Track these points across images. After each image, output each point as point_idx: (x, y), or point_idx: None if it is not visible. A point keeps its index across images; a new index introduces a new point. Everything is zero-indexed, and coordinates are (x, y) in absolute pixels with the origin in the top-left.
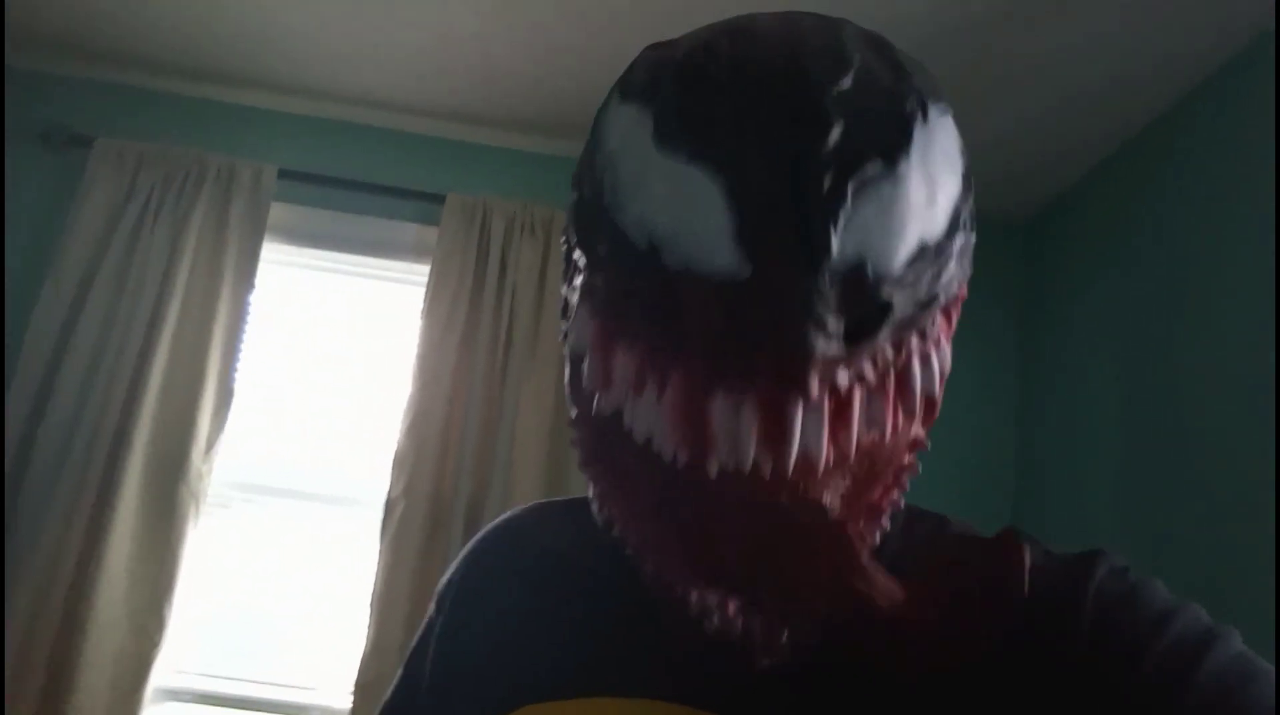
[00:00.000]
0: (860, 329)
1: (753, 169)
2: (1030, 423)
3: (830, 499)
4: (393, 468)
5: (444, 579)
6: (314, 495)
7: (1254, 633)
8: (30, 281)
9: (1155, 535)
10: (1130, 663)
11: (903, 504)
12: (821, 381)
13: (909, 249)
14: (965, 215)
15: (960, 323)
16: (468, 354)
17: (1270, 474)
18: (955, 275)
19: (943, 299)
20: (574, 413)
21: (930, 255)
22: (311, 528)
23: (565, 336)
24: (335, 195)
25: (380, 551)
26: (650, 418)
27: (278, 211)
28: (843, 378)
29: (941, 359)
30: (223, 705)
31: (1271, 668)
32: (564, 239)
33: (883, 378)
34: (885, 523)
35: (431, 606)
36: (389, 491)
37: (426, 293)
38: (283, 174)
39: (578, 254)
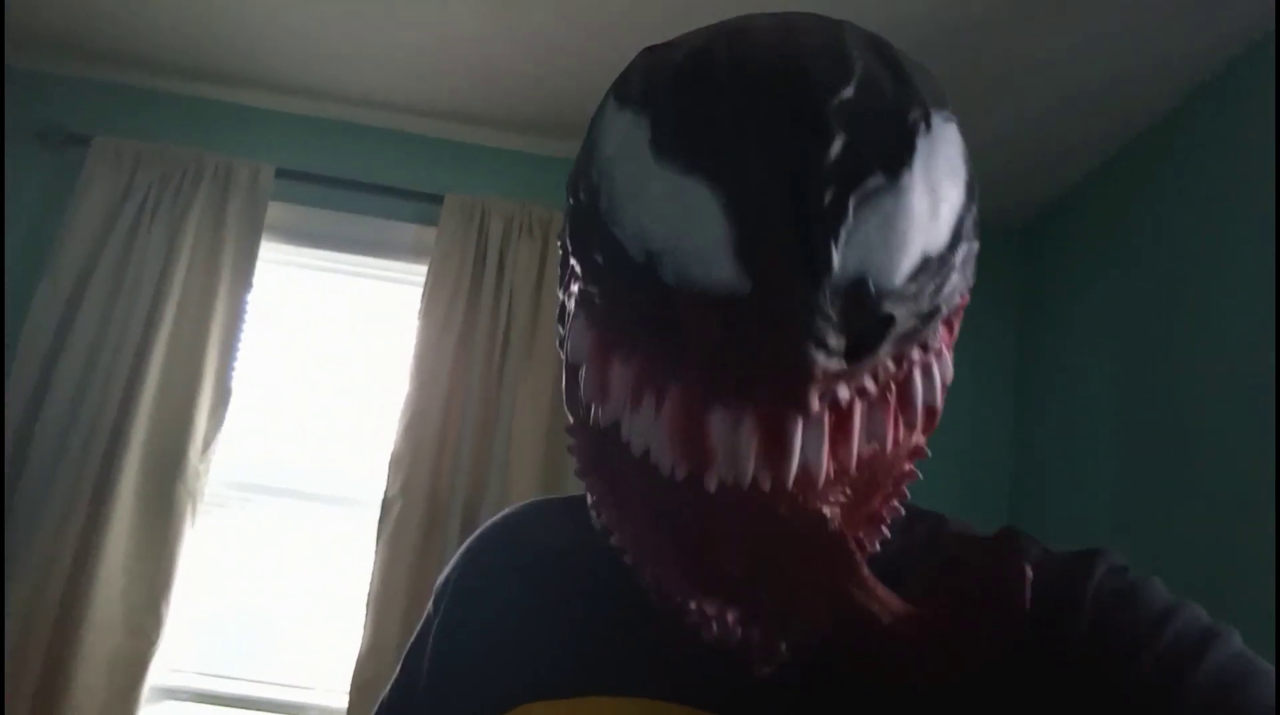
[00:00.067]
0: (861, 344)
1: (752, 181)
2: (1028, 425)
3: (829, 510)
4: (389, 467)
5: (442, 576)
6: (311, 494)
7: (1252, 633)
8: (27, 280)
9: (1153, 536)
10: (1129, 662)
11: (903, 511)
12: (821, 397)
13: (911, 263)
14: (968, 225)
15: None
16: (465, 354)
17: (1269, 474)
18: (957, 286)
19: (945, 311)
20: (571, 420)
21: (933, 268)
22: (308, 527)
23: (562, 342)
24: (333, 195)
25: (377, 551)
26: (648, 431)
27: (275, 211)
28: (843, 392)
29: (943, 369)
30: (220, 704)
31: (1271, 667)
32: (560, 244)
33: (883, 391)
34: (885, 531)
35: (430, 603)
36: (386, 491)
37: (424, 293)
38: (280, 173)
39: (573, 261)
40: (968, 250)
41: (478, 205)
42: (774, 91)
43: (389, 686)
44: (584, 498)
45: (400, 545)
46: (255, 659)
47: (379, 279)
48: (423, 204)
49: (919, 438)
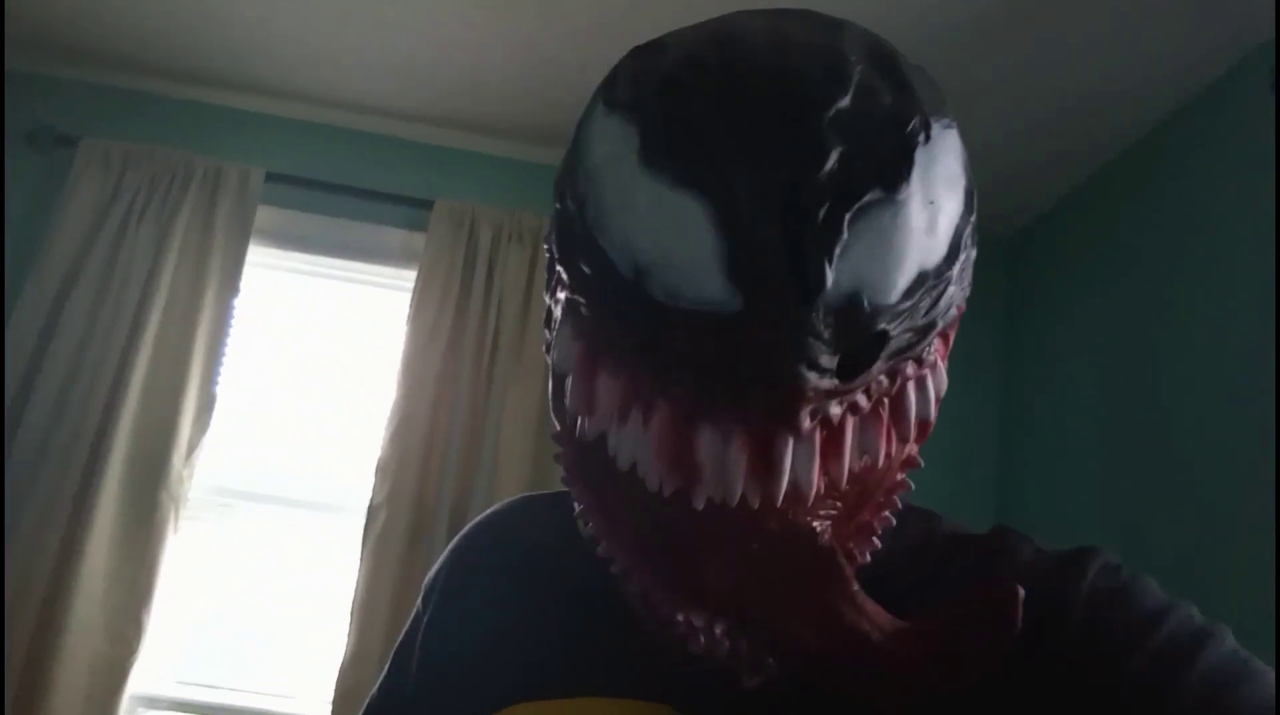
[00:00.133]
0: (854, 361)
1: (744, 196)
2: (1013, 436)
3: (819, 524)
4: (376, 474)
5: (431, 573)
6: (296, 501)
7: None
8: (13, 281)
9: (1137, 542)
10: (1121, 661)
11: (894, 521)
12: (813, 415)
13: (907, 279)
14: (966, 235)
15: None
16: (453, 360)
17: (1253, 482)
18: (954, 298)
19: (940, 325)
20: (558, 428)
21: (929, 282)
22: (293, 534)
23: (549, 348)
24: (323, 199)
25: (362, 558)
26: (635, 446)
27: (264, 215)
28: (834, 409)
29: (937, 381)
30: (201, 713)
31: (1265, 667)
32: (547, 248)
33: (876, 405)
34: (876, 541)
35: (419, 601)
36: (372, 498)
37: (413, 298)
38: (270, 177)
39: (560, 268)
40: (965, 259)
41: (467, 211)
42: (767, 102)
43: (377, 685)
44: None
45: (386, 553)
46: (237, 667)
47: (367, 284)
48: (412, 209)
49: (911, 448)
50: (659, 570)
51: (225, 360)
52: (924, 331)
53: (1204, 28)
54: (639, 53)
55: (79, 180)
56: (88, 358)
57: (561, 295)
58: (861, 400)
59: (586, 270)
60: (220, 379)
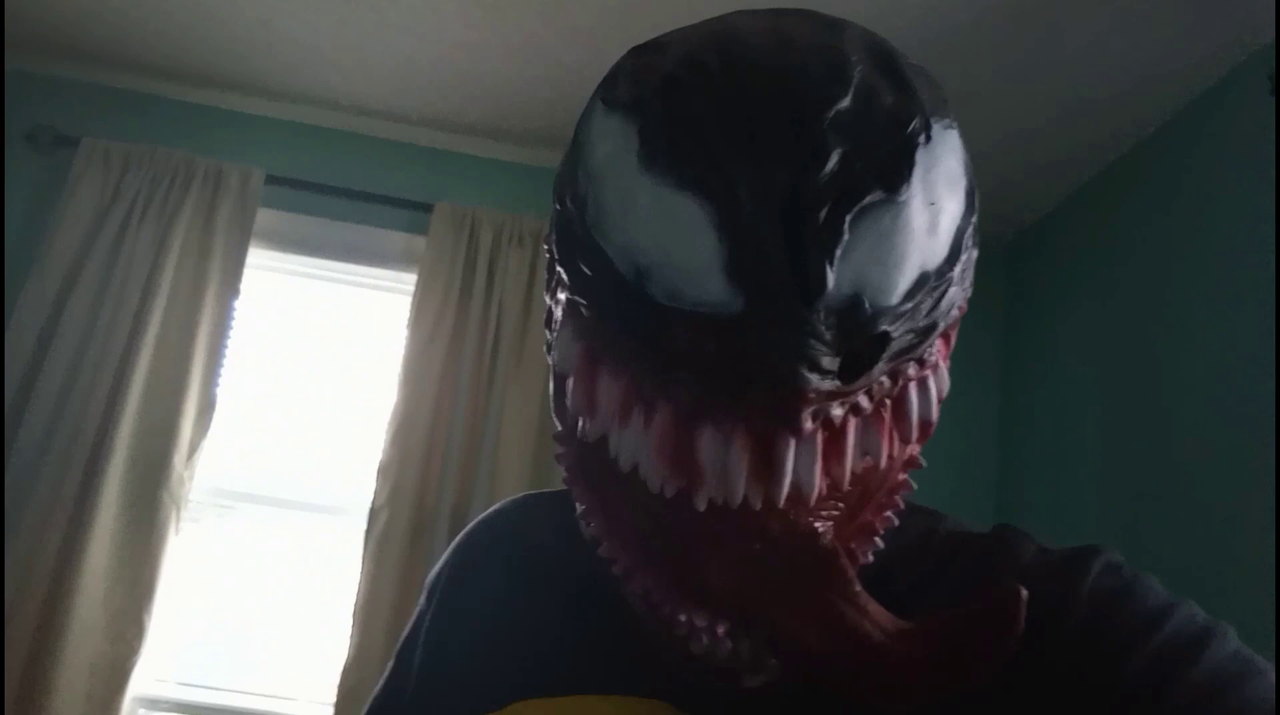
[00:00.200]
0: (856, 363)
1: (744, 198)
2: (1013, 438)
3: (821, 524)
4: (377, 476)
5: (434, 571)
6: (297, 503)
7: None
8: (12, 282)
9: (1136, 546)
10: (1124, 660)
11: (896, 521)
12: (814, 417)
13: (909, 280)
14: (968, 235)
15: None
16: (453, 363)
17: (1250, 484)
18: (955, 298)
19: (942, 326)
20: (559, 428)
21: (930, 283)
22: (294, 536)
23: (549, 348)
24: (323, 202)
25: (363, 560)
26: (637, 447)
27: (265, 217)
28: (836, 411)
29: (939, 382)
30: None
31: (1269, 665)
32: (547, 248)
33: (878, 406)
34: (878, 541)
35: (422, 598)
36: (373, 500)
37: (413, 301)
38: (271, 179)
39: (560, 269)
40: (967, 259)
41: (468, 214)
42: (768, 103)
43: (380, 682)
44: None
45: (387, 554)
46: (239, 668)
47: (368, 287)
48: (413, 212)
49: (913, 448)
50: (660, 571)
51: (226, 362)
52: (925, 332)
53: (1202, 31)
54: (638, 52)
55: (79, 181)
56: (88, 359)
57: (562, 296)
58: (863, 401)
59: (587, 271)
60: (221, 381)
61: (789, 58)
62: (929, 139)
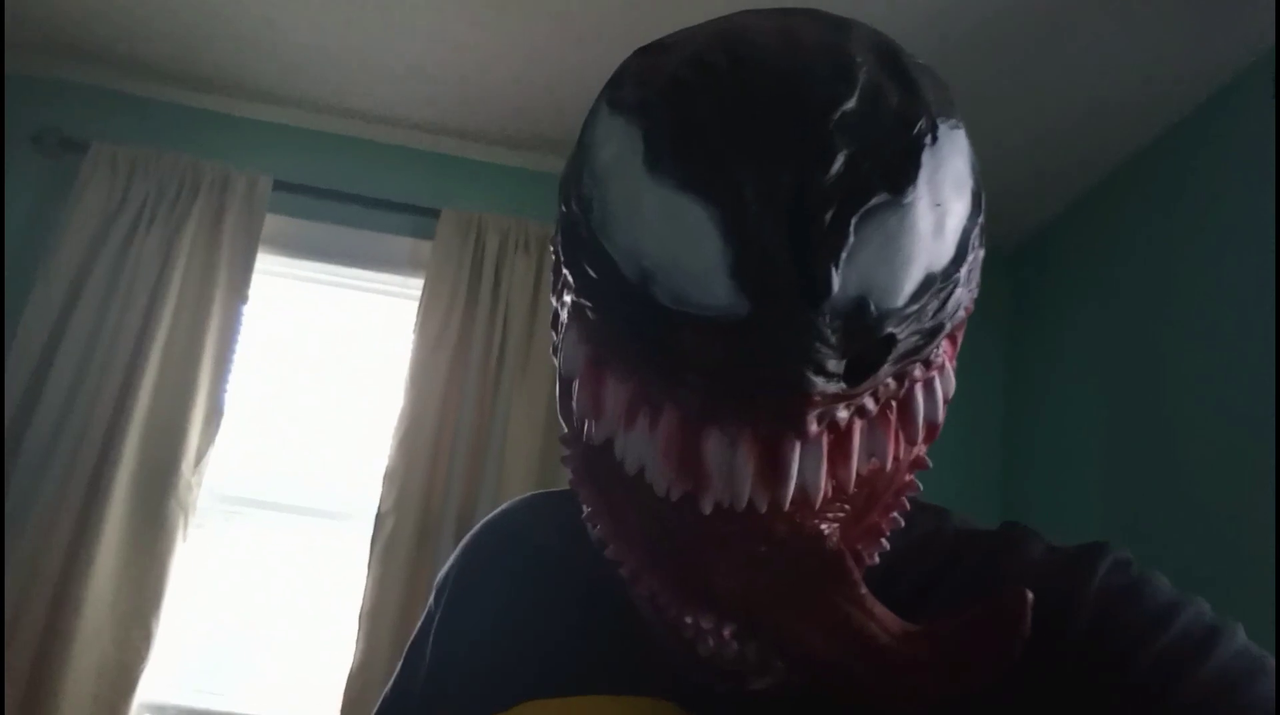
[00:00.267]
0: (861, 365)
1: (749, 200)
2: (1017, 444)
3: (827, 527)
4: (383, 481)
5: (442, 571)
6: (304, 508)
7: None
8: (20, 287)
9: (1139, 550)
10: (1133, 659)
11: (903, 522)
12: (820, 419)
13: (914, 282)
14: (974, 236)
15: None
16: (460, 368)
17: (1252, 489)
18: (961, 299)
19: (948, 327)
20: (565, 430)
21: (936, 285)
22: (301, 542)
23: (555, 350)
24: (330, 207)
25: (369, 565)
26: (643, 450)
27: (272, 223)
28: (842, 413)
29: (945, 383)
30: None
31: (1276, 663)
32: (553, 249)
33: (884, 408)
34: (884, 543)
35: (430, 599)
36: (379, 506)
37: (420, 306)
38: (278, 185)
39: (566, 271)
40: (973, 260)
41: (474, 220)
42: (773, 105)
43: (390, 683)
44: None
45: (393, 560)
46: (245, 674)
47: (374, 292)
48: (420, 218)
49: (920, 450)
50: (667, 573)
51: (233, 368)
52: (931, 334)
53: (1205, 38)
54: (644, 53)
55: (86, 185)
56: (95, 364)
57: (568, 298)
58: (869, 403)
59: (592, 274)
60: (228, 387)
61: (795, 59)
62: (935, 140)
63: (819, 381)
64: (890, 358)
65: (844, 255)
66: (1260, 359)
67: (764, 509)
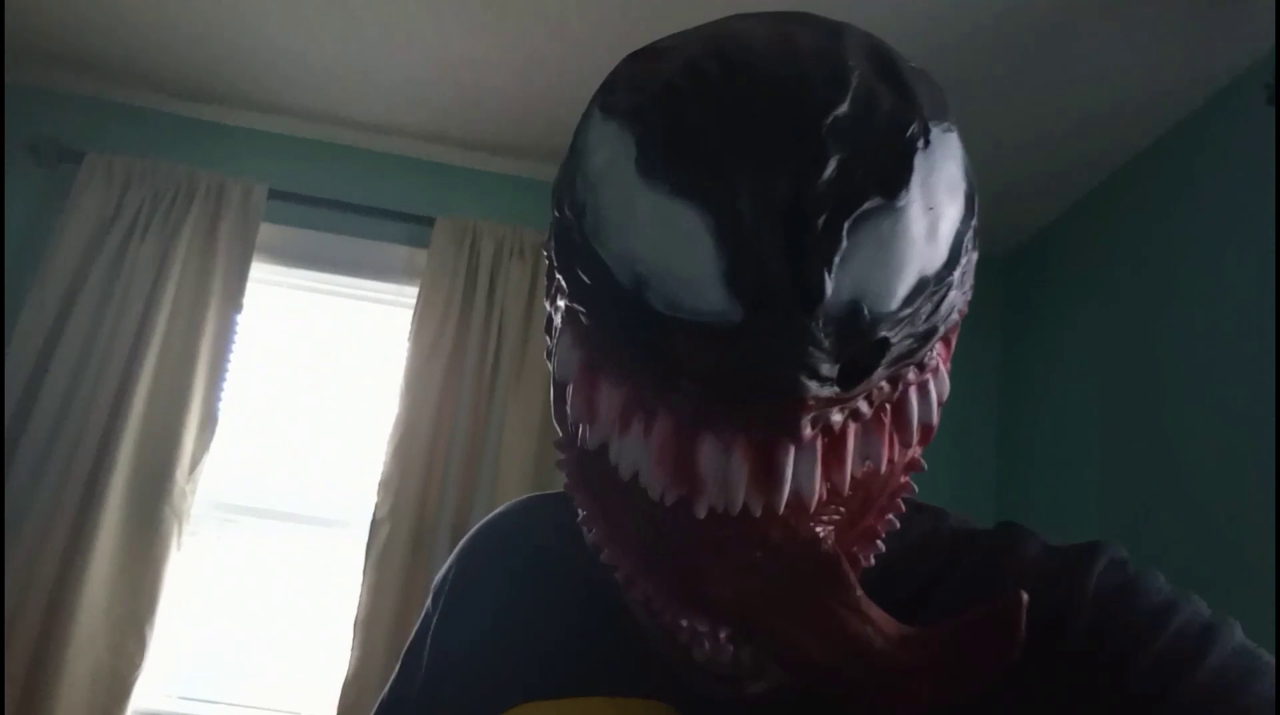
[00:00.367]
0: (855, 369)
1: (742, 206)
2: (1011, 453)
3: (822, 530)
4: (378, 489)
5: (440, 573)
6: (299, 516)
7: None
8: (14, 295)
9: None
10: (1130, 659)
11: (898, 524)
12: (814, 423)
13: (908, 286)
14: (968, 239)
15: None
16: (455, 376)
17: (1248, 495)
18: (955, 302)
19: (942, 330)
20: (560, 434)
21: (930, 288)
22: (295, 549)
23: (549, 354)
24: (325, 216)
25: (364, 573)
26: (637, 455)
27: (267, 231)
28: (836, 416)
29: (939, 386)
30: None
31: (1274, 661)
32: (546, 254)
33: (878, 412)
34: (880, 545)
35: (428, 601)
36: (374, 513)
37: (414, 314)
38: (273, 194)
39: (559, 276)
40: (966, 263)
41: (469, 228)
42: (765, 109)
43: (388, 685)
44: None
45: (388, 567)
46: (240, 682)
47: (369, 300)
48: (414, 226)
49: (915, 452)
50: (662, 578)
51: (228, 376)
52: (925, 337)
53: (1199, 44)
54: (637, 57)
55: (82, 194)
56: (90, 372)
57: (562, 303)
58: (863, 407)
59: (586, 279)
60: (223, 394)
61: (788, 64)
62: (928, 143)
63: (813, 385)
64: (884, 361)
65: (837, 259)
66: (1256, 361)
67: (758, 513)
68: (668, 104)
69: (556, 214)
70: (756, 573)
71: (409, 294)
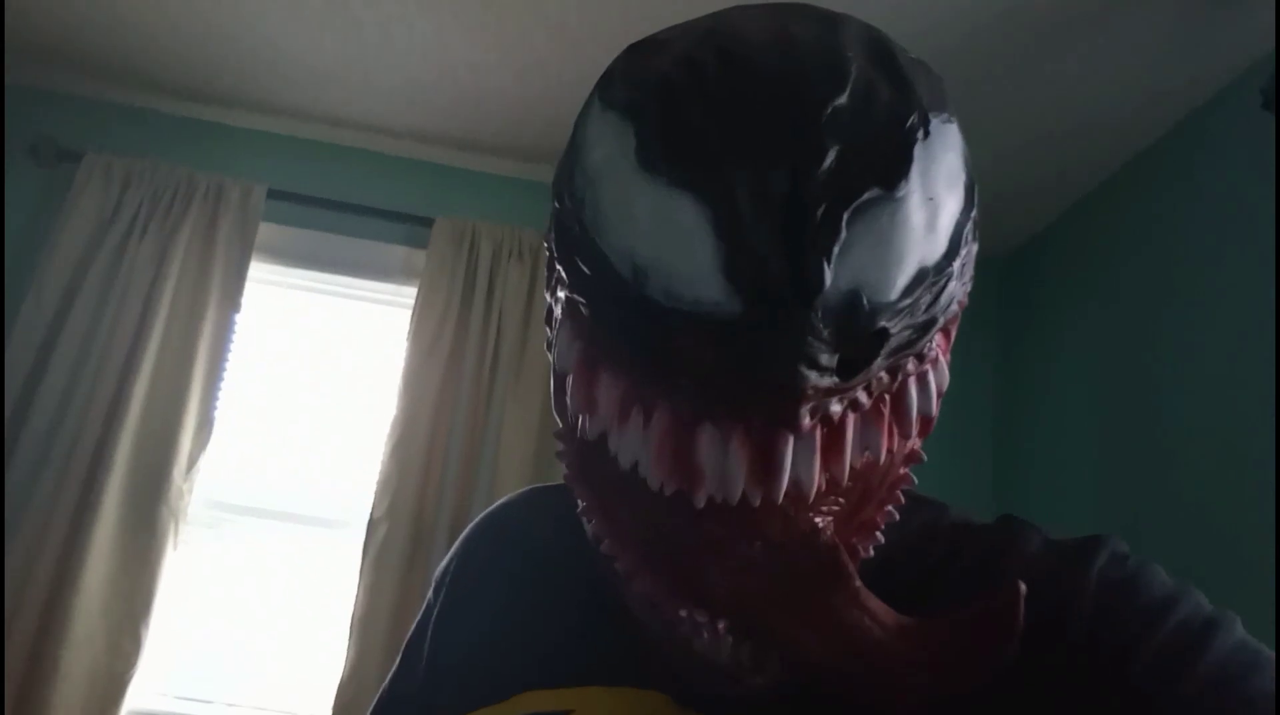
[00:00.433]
0: (855, 359)
1: (741, 198)
2: (1008, 456)
3: (821, 520)
4: (376, 489)
5: (441, 565)
6: (296, 516)
7: None
8: (12, 295)
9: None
10: (1131, 653)
11: (898, 516)
12: (813, 413)
13: (907, 277)
14: (967, 230)
15: None
16: (453, 376)
17: (1245, 497)
18: (955, 293)
19: (941, 321)
20: (560, 426)
21: (929, 279)
22: (293, 549)
23: (550, 345)
24: (324, 216)
25: (361, 573)
26: (636, 446)
27: (266, 231)
28: (835, 407)
29: (939, 377)
30: None
31: (1274, 655)
32: (547, 246)
33: (877, 402)
34: (880, 536)
35: (430, 592)
36: (372, 512)
37: (413, 315)
38: (272, 194)
39: (560, 268)
40: (966, 254)
41: (468, 228)
42: (764, 101)
43: (390, 674)
44: None
45: (385, 567)
46: (236, 682)
47: (368, 300)
48: (413, 227)
49: (914, 443)
50: (661, 570)
51: (226, 375)
52: (924, 328)
53: (1198, 46)
54: (635, 50)
55: (81, 194)
56: (88, 371)
57: (562, 294)
58: (862, 397)
59: (585, 270)
60: (221, 394)
61: (787, 56)
62: (927, 134)
63: (812, 375)
64: (883, 352)
65: (836, 250)
66: (1255, 362)
67: (757, 504)
68: (666, 98)
69: (556, 205)
70: (755, 569)
71: (407, 294)
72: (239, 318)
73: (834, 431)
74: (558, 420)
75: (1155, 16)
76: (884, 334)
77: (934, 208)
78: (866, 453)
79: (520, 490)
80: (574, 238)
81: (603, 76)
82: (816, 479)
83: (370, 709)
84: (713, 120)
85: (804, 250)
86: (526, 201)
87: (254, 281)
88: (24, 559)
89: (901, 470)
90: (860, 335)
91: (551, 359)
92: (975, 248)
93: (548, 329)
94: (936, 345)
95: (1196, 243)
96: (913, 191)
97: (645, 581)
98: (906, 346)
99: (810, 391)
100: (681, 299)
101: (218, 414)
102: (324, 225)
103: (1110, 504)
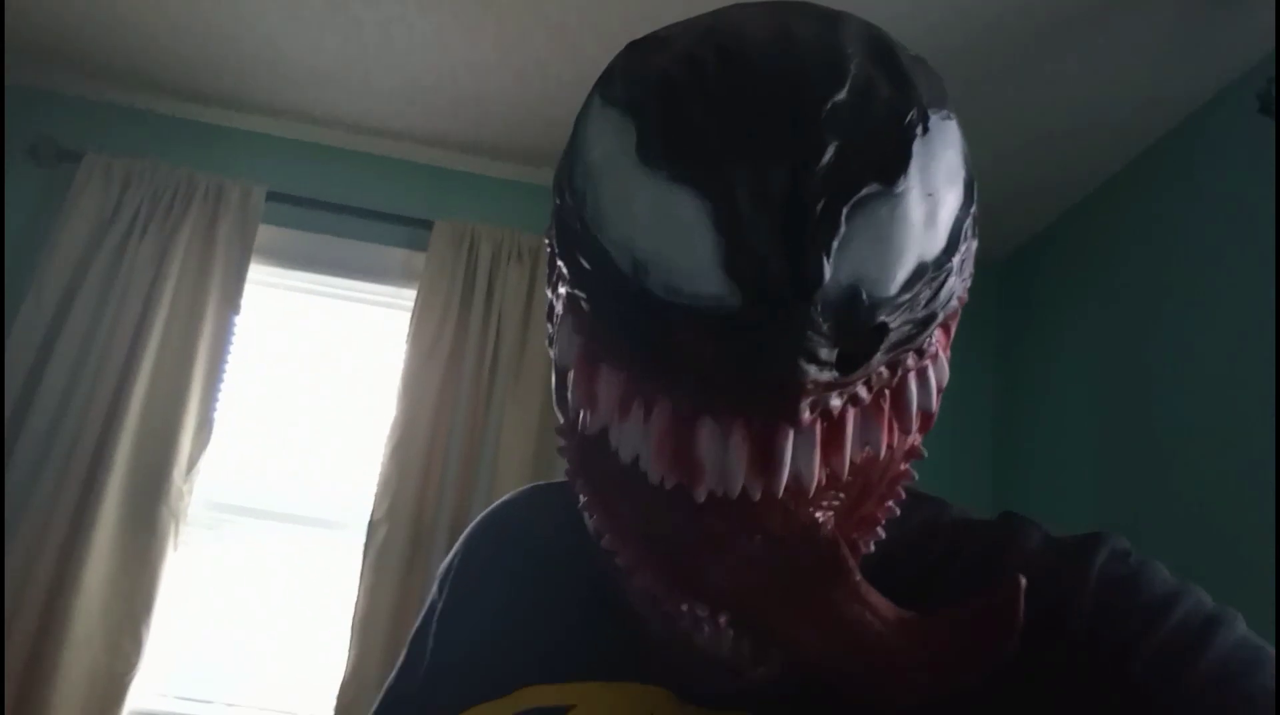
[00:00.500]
0: (854, 354)
1: (741, 193)
2: (1007, 458)
3: (822, 515)
4: (376, 490)
5: (445, 561)
6: (296, 517)
7: None
8: (12, 295)
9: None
10: (1132, 650)
11: (898, 511)
12: (812, 408)
13: (906, 272)
14: (967, 226)
15: None
16: (453, 378)
17: (1243, 497)
18: (954, 289)
19: (941, 316)
20: (561, 421)
21: (929, 274)
22: (293, 550)
23: (551, 341)
24: (324, 218)
25: (362, 574)
26: (637, 441)
27: (265, 233)
28: (835, 401)
29: (938, 372)
30: None
31: (1275, 653)
32: (547, 242)
33: (877, 397)
34: (880, 532)
35: (434, 588)
36: (372, 514)
37: (413, 317)
38: (271, 196)
39: (560, 263)
40: (966, 250)
41: (467, 231)
42: (764, 98)
43: (394, 671)
44: None
45: (385, 568)
46: (236, 683)
47: (368, 302)
48: (413, 229)
49: (915, 439)
50: (662, 565)
51: (225, 377)
52: (924, 323)
53: (1195, 50)
54: (636, 47)
55: (80, 195)
56: (88, 372)
57: (562, 289)
58: (862, 392)
59: (586, 265)
60: (220, 395)
61: (786, 53)
62: (926, 130)
63: (811, 370)
64: (883, 347)
65: (835, 245)
66: (1254, 363)
67: (757, 498)
68: (667, 96)
69: (557, 202)
70: (756, 564)
71: (407, 296)
72: (239, 319)
73: (834, 426)
74: (559, 416)
75: (1155, 17)
76: (883, 329)
77: (933, 203)
78: (867, 447)
79: (522, 488)
80: (574, 233)
81: (603, 74)
82: (816, 473)
83: (374, 706)
84: (713, 117)
85: (803, 245)
86: (526, 204)
87: (254, 284)
88: (24, 559)
89: (902, 466)
90: (860, 330)
91: (553, 355)
92: (975, 244)
93: (549, 325)
94: (936, 341)
95: (1196, 243)
96: (912, 187)
97: (646, 576)
98: (906, 341)
99: (810, 386)
100: (681, 294)
101: (217, 415)
102: (323, 227)
103: (1110, 504)
